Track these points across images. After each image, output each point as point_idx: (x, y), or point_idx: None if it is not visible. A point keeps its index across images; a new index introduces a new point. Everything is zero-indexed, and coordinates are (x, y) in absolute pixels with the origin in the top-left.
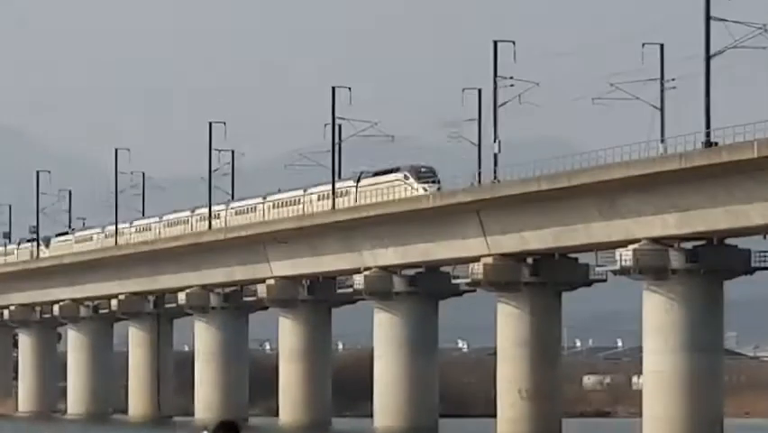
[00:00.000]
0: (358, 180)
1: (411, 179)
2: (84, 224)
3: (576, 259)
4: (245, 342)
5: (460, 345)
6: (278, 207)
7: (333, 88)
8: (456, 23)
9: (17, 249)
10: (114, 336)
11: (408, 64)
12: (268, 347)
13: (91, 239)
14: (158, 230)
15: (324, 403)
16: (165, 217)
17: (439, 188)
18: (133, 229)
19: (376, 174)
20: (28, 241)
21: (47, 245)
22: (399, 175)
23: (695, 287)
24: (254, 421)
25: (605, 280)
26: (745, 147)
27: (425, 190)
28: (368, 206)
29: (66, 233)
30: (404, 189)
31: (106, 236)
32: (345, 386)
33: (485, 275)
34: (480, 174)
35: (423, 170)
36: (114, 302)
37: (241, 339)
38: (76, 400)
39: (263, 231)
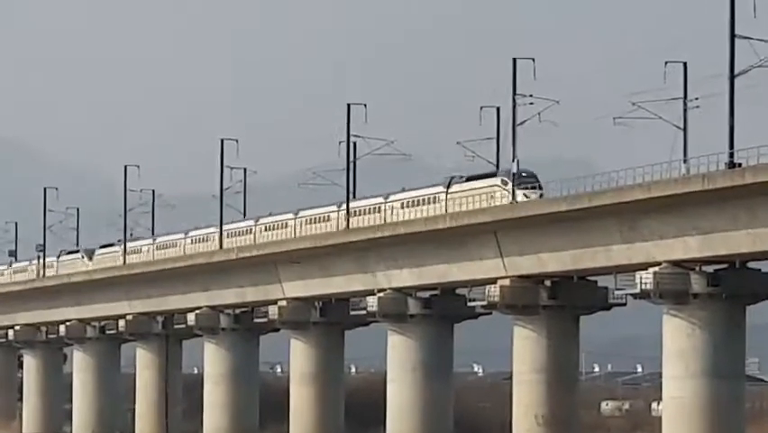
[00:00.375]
0: (448, 186)
1: (510, 185)
2: (132, 234)
3: (595, 282)
4: (256, 364)
5: (475, 368)
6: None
7: (349, 105)
8: (476, 39)
9: (56, 262)
10: (122, 357)
11: (426, 81)
12: (279, 370)
13: (140, 251)
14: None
15: (336, 428)
16: (228, 227)
17: (541, 195)
18: (189, 240)
19: (469, 179)
20: (69, 253)
21: (90, 258)
22: (496, 180)
23: (716, 312)
24: None
25: (624, 304)
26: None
27: (527, 197)
28: (382, 226)
29: (111, 244)
30: (501, 196)
31: (158, 248)
32: (358, 410)
33: (502, 298)
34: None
35: (523, 174)
36: (121, 323)
37: (251, 362)
38: (81, 422)
39: (275, 251)
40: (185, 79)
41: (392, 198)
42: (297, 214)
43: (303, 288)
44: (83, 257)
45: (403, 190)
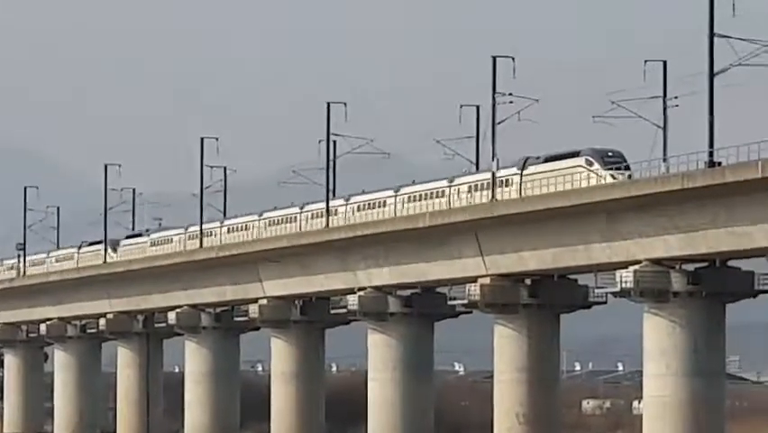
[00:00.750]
0: (523, 167)
1: (596, 165)
2: (160, 224)
3: (576, 280)
4: (237, 363)
5: (456, 367)
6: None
7: (329, 104)
8: (455, 38)
9: (77, 254)
10: (103, 356)
11: (406, 80)
12: (260, 369)
13: (171, 241)
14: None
15: (317, 426)
16: (267, 215)
17: (630, 176)
18: (225, 229)
19: (548, 160)
20: (90, 244)
21: (114, 249)
22: (580, 160)
23: (697, 310)
24: None
25: (605, 303)
26: (749, 167)
27: (614, 178)
28: (362, 224)
29: (139, 234)
30: (587, 178)
31: (190, 238)
32: (339, 409)
33: (482, 296)
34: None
35: (609, 154)
36: (102, 321)
37: (232, 360)
38: (62, 421)
39: (256, 250)
40: (165, 78)
41: (457, 181)
42: (348, 200)
43: (283, 286)
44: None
45: (466, 173)
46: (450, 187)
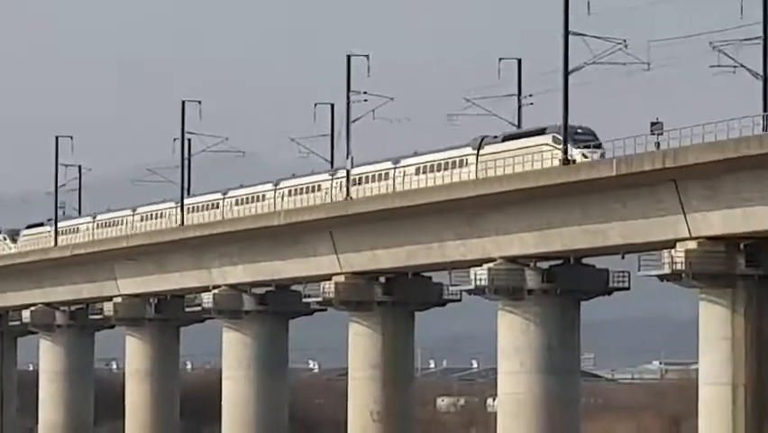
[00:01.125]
0: (479, 147)
1: (563, 144)
2: (64, 213)
3: (430, 278)
4: (91, 361)
5: (311, 365)
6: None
7: (183, 102)
8: (310, 36)
9: None
10: None
11: (260, 78)
12: (115, 366)
13: (77, 230)
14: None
15: (171, 423)
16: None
17: (603, 155)
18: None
19: (507, 139)
20: None
21: (13, 240)
22: (546, 138)
23: (551, 307)
24: None
25: (459, 300)
26: (603, 165)
27: (585, 157)
28: (217, 223)
29: (40, 224)
30: (552, 157)
31: (98, 226)
32: (194, 406)
33: (336, 294)
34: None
35: (579, 130)
36: None
37: (86, 358)
38: None
39: (111, 247)
40: (17, 77)
41: (404, 162)
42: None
43: (138, 284)
44: (5, 239)
45: (416, 154)
46: (394, 169)
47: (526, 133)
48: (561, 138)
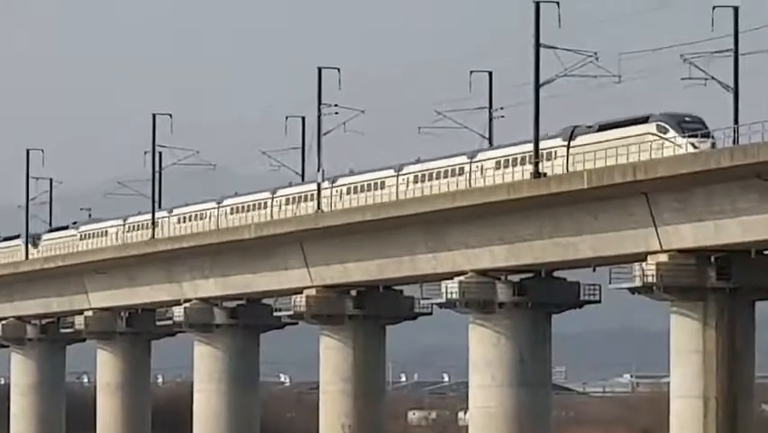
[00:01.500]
0: (570, 138)
1: (672, 132)
2: (90, 215)
3: (401, 292)
4: (62, 374)
5: (282, 378)
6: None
7: (154, 116)
8: (281, 49)
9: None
10: None
11: (230, 91)
12: (86, 380)
13: (106, 234)
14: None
15: None
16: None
17: (713, 145)
18: (174, 219)
19: (603, 128)
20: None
21: (34, 245)
22: (650, 127)
23: (522, 321)
24: None
25: (430, 314)
26: (574, 178)
27: (695, 147)
28: (188, 236)
29: (66, 227)
30: (660, 147)
31: (129, 230)
32: (165, 420)
33: (308, 307)
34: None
35: (687, 119)
36: None
37: (58, 372)
38: None
39: (82, 261)
40: None
41: (480, 156)
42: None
43: (109, 298)
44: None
45: (491, 148)
46: (470, 163)
47: (626, 122)
48: (666, 126)
